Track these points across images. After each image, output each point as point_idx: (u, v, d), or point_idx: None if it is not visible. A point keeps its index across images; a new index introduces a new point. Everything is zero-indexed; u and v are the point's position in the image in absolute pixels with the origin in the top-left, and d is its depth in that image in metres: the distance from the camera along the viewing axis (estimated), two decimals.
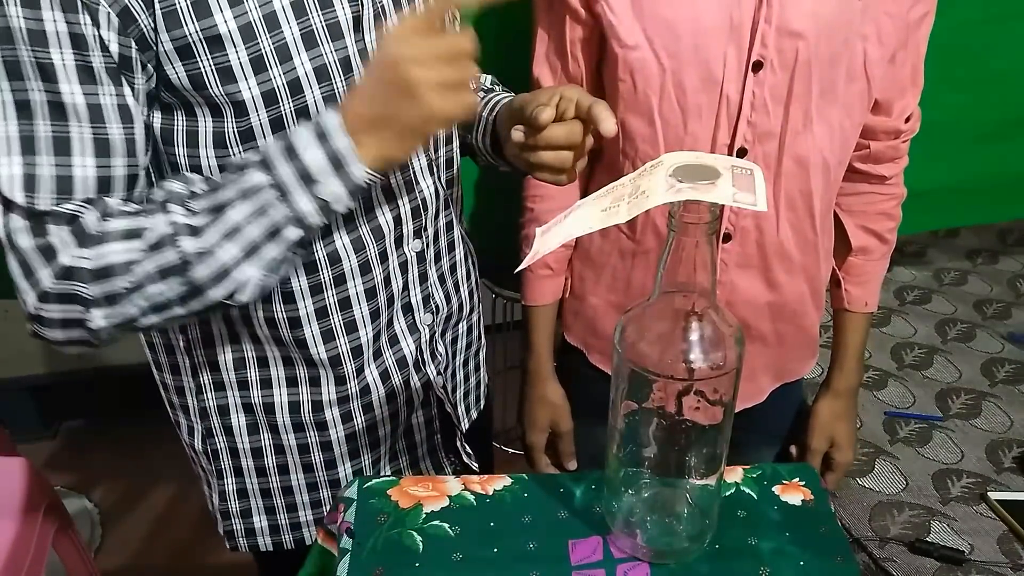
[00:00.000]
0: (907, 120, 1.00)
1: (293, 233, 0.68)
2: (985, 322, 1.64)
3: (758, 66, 0.87)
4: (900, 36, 0.91)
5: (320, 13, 0.73)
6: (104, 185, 0.69)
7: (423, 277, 0.93)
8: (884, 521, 1.16)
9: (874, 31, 0.88)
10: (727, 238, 0.96)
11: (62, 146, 0.67)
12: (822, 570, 0.76)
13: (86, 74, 0.66)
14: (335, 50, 0.75)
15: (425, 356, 0.97)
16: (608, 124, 0.74)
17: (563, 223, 0.68)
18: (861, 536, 1.13)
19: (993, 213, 1.71)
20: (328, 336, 0.87)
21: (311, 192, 0.66)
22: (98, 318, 0.68)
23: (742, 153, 0.91)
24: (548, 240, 0.68)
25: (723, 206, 0.81)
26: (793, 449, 1.18)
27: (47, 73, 0.65)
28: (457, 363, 1.05)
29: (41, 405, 2.36)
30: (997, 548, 1.11)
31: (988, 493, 1.19)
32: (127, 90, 0.69)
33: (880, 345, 1.57)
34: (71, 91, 0.66)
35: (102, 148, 0.68)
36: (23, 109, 0.66)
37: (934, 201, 1.52)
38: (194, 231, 0.67)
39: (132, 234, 0.67)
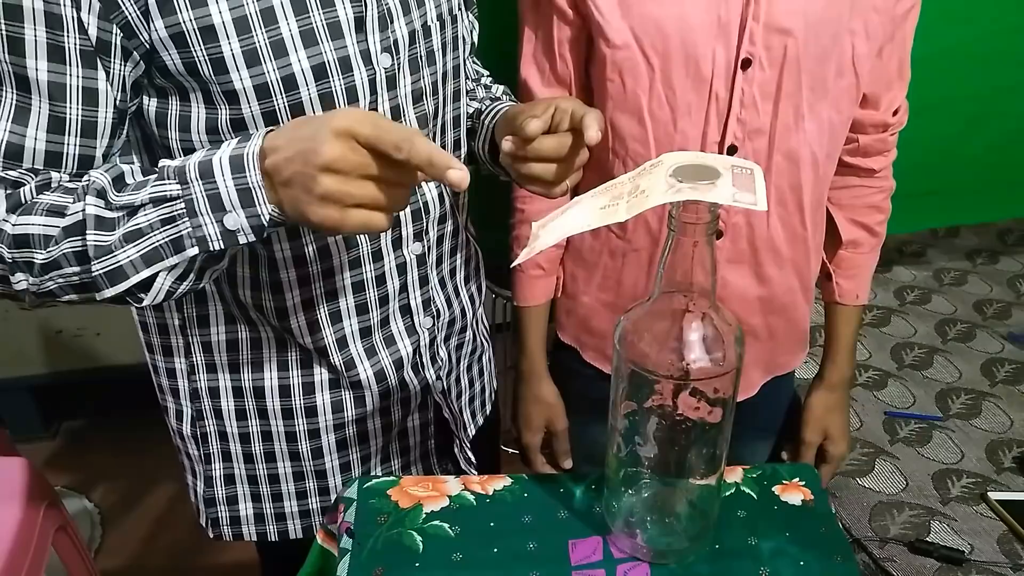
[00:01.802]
0: (895, 113, 1.00)
1: (192, 250, 0.66)
2: (985, 322, 1.64)
3: (747, 63, 0.87)
4: (887, 30, 0.91)
5: (321, 11, 0.73)
6: (53, 160, 0.70)
7: (423, 280, 0.93)
8: (884, 521, 1.16)
9: (862, 26, 0.88)
10: (719, 235, 0.96)
11: (20, 115, 0.68)
12: (822, 570, 0.76)
13: (56, 52, 0.67)
14: (335, 49, 0.75)
15: (424, 360, 0.96)
16: (590, 132, 0.73)
17: (560, 220, 0.68)
18: (861, 536, 1.13)
19: (993, 213, 1.71)
20: (314, 327, 0.87)
21: (216, 217, 0.64)
22: (21, 281, 0.69)
23: (732, 150, 0.91)
24: (545, 236, 0.67)
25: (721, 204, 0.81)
26: (784, 454, 1.18)
27: (16, 47, 0.66)
28: (461, 368, 1.05)
29: (41, 405, 2.36)
30: (997, 548, 1.11)
31: (988, 493, 1.19)
32: (100, 74, 0.69)
33: (880, 345, 1.57)
34: (35, 67, 0.67)
35: (57, 125, 0.69)
36: None
37: (934, 201, 1.52)
38: (102, 224, 0.66)
39: (55, 211, 0.68)
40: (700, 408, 0.70)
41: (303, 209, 0.61)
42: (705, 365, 0.68)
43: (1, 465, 1.24)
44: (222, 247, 0.65)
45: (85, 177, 0.69)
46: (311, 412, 0.92)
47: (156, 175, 0.66)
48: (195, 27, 0.68)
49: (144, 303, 0.69)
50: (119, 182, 0.68)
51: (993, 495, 1.19)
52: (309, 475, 0.96)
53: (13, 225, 0.68)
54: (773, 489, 0.85)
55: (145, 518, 2.12)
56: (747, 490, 0.85)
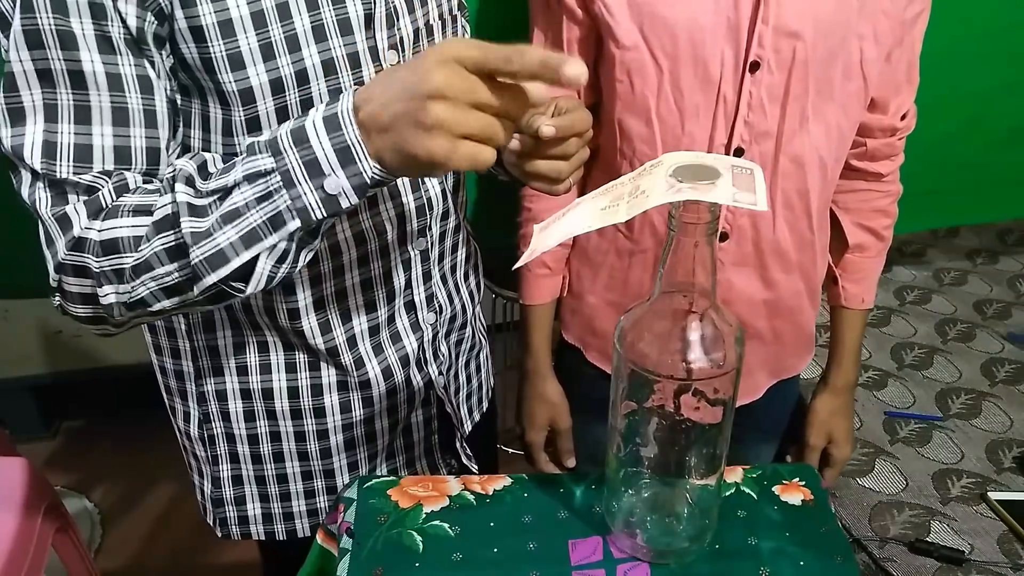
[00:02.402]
0: (903, 118, 1.00)
1: (293, 224, 0.63)
2: (985, 322, 1.64)
3: (755, 66, 0.87)
4: (896, 34, 0.91)
5: (331, 8, 0.74)
6: (122, 156, 0.69)
7: (427, 276, 0.93)
8: (884, 521, 1.16)
9: (871, 30, 0.88)
10: (724, 237, 0.96)
11: (81, 114, 0.67)
12: (822, 570, 0.76)
13: (105, 43, 0.66)
14: (344, 45, 0.75)
15: (427, 355, 0.97)
16: (543, 128, 0.73)
17: (561, 221, 0.68)
18: (861, 536, 1.13)
19: (993, 213, 1.71)
20: (325, 327, 0.87)
21: (315, 184, 0.62)
22: (109, 294, 0.67)
23: (739, 153, 0.91)
24: (546, 238, 0.68)
25: (722, 205, 0.81)
26: (788, 458, 1.18)
27: (66, 41, 0.65)
28: (460, 364, 1.05)
29: (41, 405, 2.36)
30: (997, 548, 1.11)
31: (988, 493, 1.19)
32: (147, 62, 0.69)
33: (880, 345, 1.57)
34: (90, 59, 0.66)
35: (120, 117, 0.68)
36: (45, 78, 0.66)
37: (934, 201, 1.52)
38: (195, 211, 0.65)
39: (141, 210, 0.66)
40: (700, 408, 0.70)
41: (409, 147, 0.58)
42: (705, 365, 0.68)
43: (1, 465, 1.24)
44: (324, 215, 0.63)
45: (169, 168, 0.69)
46: (320, 413, 0.92)
47: (246, 152, 0.65)
48: (214, 20, 0.69)
49: (247, 292, 0.67)
50: (203, 170, 0.67)
51: (993, 495, 1.19)
52: (317, 474, 0.96)
53: (99, 231, 0.66)
54: (773, 489, 0.85)
55: (145, 518, 2.12)
56: (747, 490, 0.85)
